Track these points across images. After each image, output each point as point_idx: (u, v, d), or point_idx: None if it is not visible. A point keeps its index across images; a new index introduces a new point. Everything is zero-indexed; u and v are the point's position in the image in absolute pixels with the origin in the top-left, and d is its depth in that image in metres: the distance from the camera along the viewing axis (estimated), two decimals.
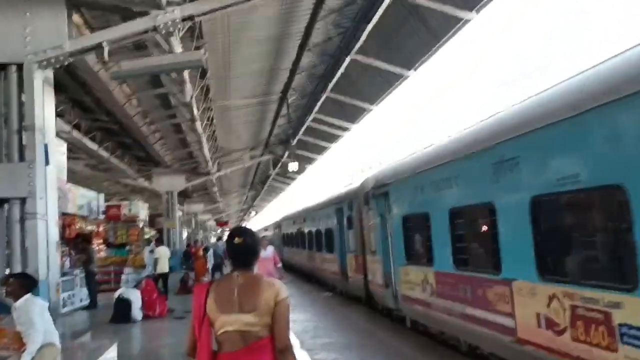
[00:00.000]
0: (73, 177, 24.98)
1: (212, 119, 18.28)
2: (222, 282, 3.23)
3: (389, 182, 11.88)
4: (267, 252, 13.38)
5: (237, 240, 3.23)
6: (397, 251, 11.68)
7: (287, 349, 3.08)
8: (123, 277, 23.10)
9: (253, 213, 62.49)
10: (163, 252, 18.44)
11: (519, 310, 6.76)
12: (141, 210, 26.55)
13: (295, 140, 18.25)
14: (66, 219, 16.51)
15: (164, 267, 18.14)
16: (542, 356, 6.31)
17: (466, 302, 8.23)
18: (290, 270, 32.40)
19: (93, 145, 16.19)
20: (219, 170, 24.64)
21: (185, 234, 43.68)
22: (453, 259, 8.62)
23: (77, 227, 17.01)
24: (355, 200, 15.71)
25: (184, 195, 39.26)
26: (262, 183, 40.12)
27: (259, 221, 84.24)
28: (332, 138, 20.91)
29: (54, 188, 10.52)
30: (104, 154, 17.44)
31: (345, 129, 19.73)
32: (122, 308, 13.72)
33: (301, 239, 27.09)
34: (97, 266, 19.27)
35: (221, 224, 60.79)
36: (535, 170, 6.39)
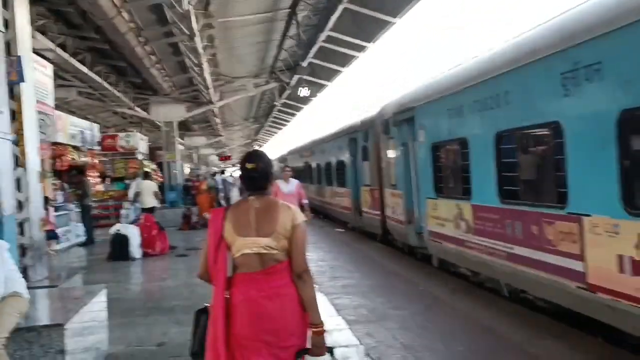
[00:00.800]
0: (67, 106, 23.69)
1: (213, 39, 16.74)
2: (239, 206, 3.22)
3: (416, 105, 10.54)
4: (291, 186, 11.00)
5: (249, 165, 3.21)
6: (423, 183, 10.49)
7: (305, 273, 3.10)
8: (122, 211, 22.29)
9: (257, 147, 61.18)
10: (146, 186, 17.14)
11: (591, 251, 5.59)
12: (140, 142, 25.31)
13: (306, 62, 16.57)
14: (57, 149, 15.29)
15: (146, 201, 16.85)
16: (619, 306, 5.20)
17: (514, 240, 7.08)
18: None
19: (83, 68, 14.74)
20: (221, 99, 23.19)
21: (187, 169, 42.66)
22: (498, 191, 7.41)
23: (69, 158, 15.79)
24: (372, 129, 14.42)
25: (185, 128, 37.93)
26: (266, 115, 38.64)
27: None
28: (346, 60, 19.22)
29: (31, 108, 9.26)
30: (96, 78, 15.98)
31: (361, 49, 18.00)
32: (120, 245, 12.69)
33: (309, 173, 25.97)
34: (93, 200, 18.24)
35: (223, 158, 59.63)
36: (626, 78, 5.07)
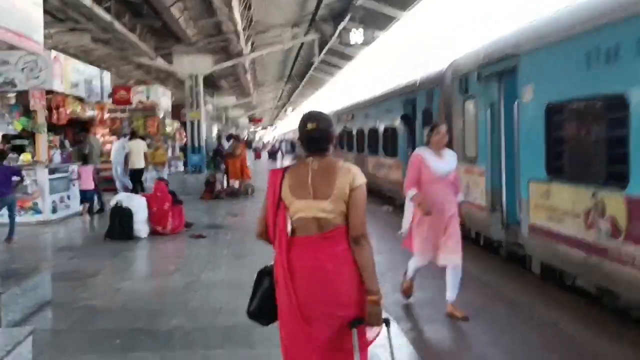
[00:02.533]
0: (85, 56, 21.25)
1: None
2: (297, 167, 3.10)
3: (520, 51, 7.67)
4: (448, 162, 6.12)
5: (310, 125, 3.06)
6: (527, 159, 7.68)
7: (363, 237, 2.96)
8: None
9: (289, 109, 58.42)
10: (136, 146, 15.63)
11: None
12: (162, 98, 22.77)
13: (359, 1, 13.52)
14: (53, 98, 12.79)
15: (136, 162, 15.47)
16: None
17: None
18: None
19: (87, 1, 12.14)
20: (253, 50, 20.43)
21: (215, 130, 40.26)
22: None
23: (68, 110, 13.28)
24: (439, 88, 11.58)
25: (213, 87, 35.39)
26: (302, 75, 35.74)
27: (292, 120, 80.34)
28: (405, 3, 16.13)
29: None
30: (105, 16, 13.35)
31: None
32: (120, 221, 10.22)
33: (348, 140, 23.21)
34: (102, 162, 15.86)
35: (255, 120, 57.23)
36: None
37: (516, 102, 7.89)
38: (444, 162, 6.01)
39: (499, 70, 8.46)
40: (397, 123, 14.98)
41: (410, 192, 5.95)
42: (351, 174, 2.99)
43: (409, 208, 6.22)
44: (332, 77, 32.93)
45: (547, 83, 7.05)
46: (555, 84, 6.85)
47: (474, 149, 9.51)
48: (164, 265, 8.61)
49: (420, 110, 12.84)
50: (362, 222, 2.98)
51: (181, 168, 22.73)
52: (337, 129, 26.03)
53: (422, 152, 6.07)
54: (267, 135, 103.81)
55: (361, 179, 3.00)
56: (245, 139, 44.27)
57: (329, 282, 2.95)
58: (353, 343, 2.95)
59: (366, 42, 13.18)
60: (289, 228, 3.03)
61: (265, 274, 3.20)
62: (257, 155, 41.10)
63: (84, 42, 17.48)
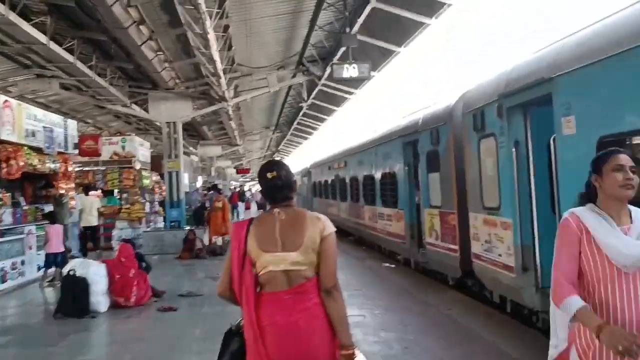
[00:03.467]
0: (58, 106, 19.87)
1: (226, 15, 12.76)
2: (263, 219, 3.02)
3: (556, 75, 6.26)
4: None
5: (270, 174, 3.00)
6: (569, 207, 6.17)
7: (335, 288, 2.89)
8: (114, 232, 18.49)
9: (278, 159, 57.33)
10: (88, 202, 15.46)
11: None
12: (140, 149, 21.40)
13: (355, 28, 12.08)
14: (2, 149, 11.22)
15: (89, 219, 15.24)
16: None
17: None
18: None
19: (55, 47, 10.77)
20: (236, 95, 19.10)
21: (200, 182, 38.73)
22: None
23: (22, 163, 11.67)
24: (447, 126, 10.20)
25: (198, 136, 34.06)
26: (290, 123, 34.51)
27: None
28: (403, 37, 14.69)
29: None
30: (67, 57, 11.95)
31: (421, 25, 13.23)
32: (74, 292, 8.55)
33: (341, 188, 21.77)
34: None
35: (242, 171, 55.76)
36: None
37: (552, 138, 6.45)
38: (635, 236, 2.79)
39: (526, 101, 7.06)
40: (398, 169, 13.54)
41: (569, 303, 2.72)
42: (321, 223, 2.94)
43: (561, 321, 2.97)
44: (323, 123, 31.62)
45: (598, 111, 5.62)
46: (610, 111, 5.41)
47: (496, 197, 8.02)
48: (118, 354, 6.89)
49: (424, 152, 11.41)
50: (334, 272, 2.91)
51: (162, 224, 21.11)
52: (329, 177, 24.67)
53: (582, 215, 2.88)
54: (256, 186, 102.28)
55: (331, 228, 2.96)
56: (237, 190, 42.64)
57: (302, 339, 2.83)
58: None
59: (360, 78, 11.81)
60: (257, 284, 2.92)
61: (234, 334, 3.05)
62: (247, 206, 39.48)
63: (54, 89, 16.10)
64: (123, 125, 27.02)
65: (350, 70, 11.15)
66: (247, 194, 49.16)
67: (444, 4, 12.84)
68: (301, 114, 28.19)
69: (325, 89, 20.88)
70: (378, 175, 15.56)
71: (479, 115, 8.45)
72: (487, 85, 8.50)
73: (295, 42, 16.24)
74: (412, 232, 12.80)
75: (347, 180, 20.38)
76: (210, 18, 10.96)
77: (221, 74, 14.51)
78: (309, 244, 2.88)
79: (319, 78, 18.25)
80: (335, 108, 25.37)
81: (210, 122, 28.62)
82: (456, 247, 9.93)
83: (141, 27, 11.96)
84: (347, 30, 11.21)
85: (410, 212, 12.84)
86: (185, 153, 36.15)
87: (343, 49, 12.83)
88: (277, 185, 3.00)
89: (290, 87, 21.89)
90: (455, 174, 9.90)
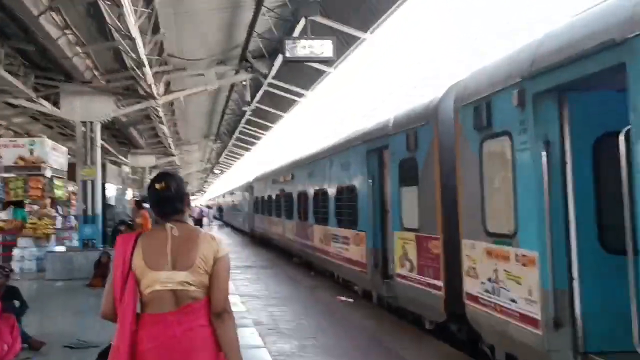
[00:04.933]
0: None
1: None
2: (153, 234, 2.90)
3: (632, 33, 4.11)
4: None
5: (159, 185, 2.90)
6: None
7: (226, 312, 2.81)
8: (16, 252, 15.64)
9: (218, 171, 54.21)
10: None
11: None
12: (51, 154, 18.43)
13: None
14: None
15: None
16: None
17: None
18: (266, 246, 24.82)
19: None
20: (168, 92, 16.49)
21: (130, 195, 35.49)
22: None
23: None
24: (428, 127, 8.01)
25: (130, 145, 31.06)
26: (232, 132, 31.91)
27: (222, 184, 75.66)
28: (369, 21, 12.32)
29: None
30: None
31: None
32: None
33: (287, 205, 19.40)
34: None
35: None
36: None
37: (624, 132, 4.27)
38: None
39: (569, 81, 4.90)
40: (359, 181, 11.29)
41: None
42: (215, 243, 2.86)
43: None
44: (268, 131, 29.10)
45: None
46: None
47: (509, 219, 5.83)
48: None
49: (396, 161, 9.18)
50: (225, 295, 2.84)
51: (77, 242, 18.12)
52: (273, 192, 22.24)
53: None
54: (195, 202, 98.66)
55: (225, 249, 2.89)
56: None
57: None
58: None
59: (322, 59, 9.48)
60: (139, 303, 2.78)
61: (106, 355, 2.92)
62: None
63: None
64: (43, 128, 23.84)
65: (308, 48, 8.76)
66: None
67: None
68: (244, 120, 25.68)
69: (271, 89, 18.49)
70: (333, 190, 13.28)
71: (483, 107, 6.27)
72: (495, 68, 6.33)
73: (238, 29, 13.82)
74: (375, 259, 10.55)
75: (294, 196, 18.06)
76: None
77: (145, 60, 11.95)
78: (201, 264, 2.78)
79: (265, 76, 15.89)
80: (282, 114, 22.97)
81: (141, 128, 25.79)
82: (440, 283, 7.71)
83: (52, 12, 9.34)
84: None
85: (374, 235, 10.59)
86: (114, 162, 33.19)
87: (300, 25, 10.45)
88: (166, 196, 2.90)
89: (232, 89, 19.41)
90: (441, 188, 7.72)
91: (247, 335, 7.97)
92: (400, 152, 8.98)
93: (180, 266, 2.76)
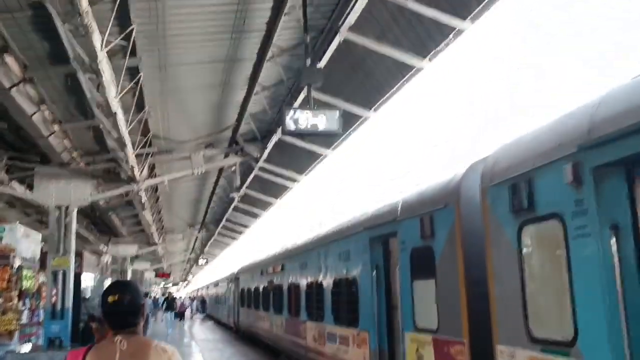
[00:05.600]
0: None
1: (140, 82, 9.60)
2: (102, 348, 2.80)
3: None
4: None
5: (111, 298, 2.81)
6: None
7: None
8: None
9: (203, 262, 52.52)
10: None
11: None
12: (23, 241, 17.08)
13: (320, 62, 8.88)
14: None
15: None
16: None
17: None
18: (252, 343, 23.12)
19: None
20: (151, 175, 15.52)
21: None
22: None
23: None
24: (447, 210, 7.00)
25: (110, 233, 29.80)
26: (218, 221, 30.79)
27: (205, 274, 73.41)
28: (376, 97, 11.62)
29: None
30: None
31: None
32: None
33: (275, 298, 18.01)
34: None
35: (162, 275, 50.87)
36: None
37: None
38: None
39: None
40: (360, 273, 10.13)
41: None
42: (167, 355, 2.79)
43: None
44: (257, 219, 27.96)
45: None
46: None
47: (565, 322, 4.71)
48: None
49: (406, 250, 8.08)
50: None
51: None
52: (261, 284, 20.87)
53: None
54: (178, 293, 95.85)
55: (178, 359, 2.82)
56: (167, 296, 37.49)
57: None
58: None
59: (327, 133, 8.53)
60: None
61: None
62: (181, 310, 34.74)
63: None
64: (19, 215, 22.62)
65: (311, 119, 7.80)
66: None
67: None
68: (232, 207, 24.61)
69: (263, 174, 17.58)
70: (329, 282, 12.06)
71: (523, 186, 5.29)
72: (536, 140, 5.40)
73: (229, 109, 13.06)
74: None
75: (284, 288, 16.73)
76: (105, 48, 7.61)
77: (127, 139, 11.02)
78: None
79: (257, 160, 15.03)
80: (272, 200, 21.97)
81: (123, 215, 24.62)
82: None
83: (6, 56, 8.45)
84: (308, 63, 8.04)
85: (379, 335, 9.32)
86: (93, 251, 31.78)
87: (301, 97, 9.62)
88: (119, 310, 2.81)
89: (220, 174, 18.50)
90: (465, 281, 6.59)
91: None
92: (412, 239, 7.90)
93: None
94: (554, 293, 4.94)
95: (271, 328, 19.04)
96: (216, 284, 44.49)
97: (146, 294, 33.94)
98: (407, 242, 8.11)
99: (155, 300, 41.81)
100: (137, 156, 13.44)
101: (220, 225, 30.87)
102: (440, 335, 7.09)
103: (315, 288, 13.13)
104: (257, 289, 21.99)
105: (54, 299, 13.78)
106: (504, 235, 5.68)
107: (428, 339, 7.38)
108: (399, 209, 8.44)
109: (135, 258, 37.88)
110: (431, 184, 7.87)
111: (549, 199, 4.96)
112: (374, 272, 9.48)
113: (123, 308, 2.80)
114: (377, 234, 9.41)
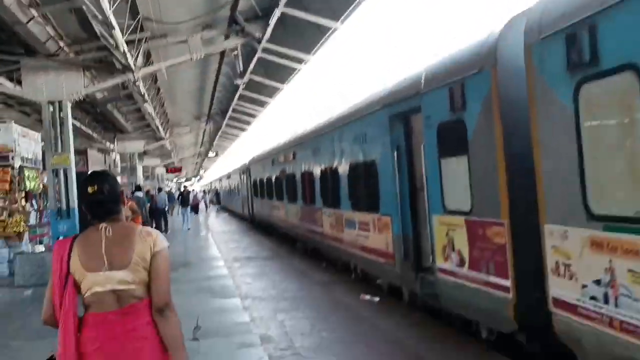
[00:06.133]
0: None
1: None
2: (88, 236, 2.89)
3: None
4: None
5: (90, 188, 2.87)
6: None
7: (168, 307, 2.80)
8: None
9: (212, 154, 52.10)
10: None
11: None
12: (21, 141, 16.42)
13: None
14: None
15: None
16: None
17: None
18: (267, 232, 23.05)
19: None
20: (147, 62, 14.48)
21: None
22: None
23: None
24: (482, 76, 6.07)
25: (115, 129, 29.06)
26: (224, 111, 29.93)
27: (217, 167, 73.65)
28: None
29: None
30: None
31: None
32: None
33: (289, 187, 17.49)
34: None
35: (173, 170, 50.76)
36: None
37: None
38: None
39: None
40: (379, 155, 9.37)
41: None
42: (151, 238, 2.85)
43: None
44: (264, 107, 26.96)
45: None
46: None
47: (638, 195, 3.95)
48: None
49: (432, 126, 7.25)
50: (166, 290, 2.82)
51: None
52: (273, 174, 20.34)
53: None
54: (191, 188, 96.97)
55: (163, 243, 2.87)
56: (182, 191, 36.94)
57: None
58: None
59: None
60: (80, 307, 2.79)
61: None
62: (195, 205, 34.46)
63: None
64: (19, 116, 21.81)
65: None
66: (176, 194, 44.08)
67: None
68: (237, 96, 23.61)
69: (267, 56, 16.43)
70: (345, 167, 11.37)
71: (583, 35, 4.35)
72: None
73: None
74: (405, 248, 8.68)
75: (298, 176, 16.15)
76: None
77: (113, 21, 9.94)
78: (139, 261, 2.78)
79: (259, 40, 13.89)
80: (280, 85, 20.86)
81: (125, 109, 23.79)
82: (507, 282, 5.83)
83: None
84: None
85: (403, 219, 8.71)
86: (100, 150, 31.25)
87: None
88: (98, 200, 2.87)
89: (222, 59, 17.38)
90: (505, 157, 5.80)
91: None
92: (439, 113, 7.04)
93: (117, 266, 2.76)
94: (621, 161, 4.15)
95: (286, 217, 18.71)
96: (228, 176, 44.37)
97: (160, 189, 33.95)
98: (433, 117, 7.25)
99: (170, 195, 41.71)
100: (129, 43, 12.37)
101: (227, 116, 29.98)
102: (474, 216, 6.41)
103: (330, 174, 12.48)
104: (269, 178, 21.51)
105: (57, 198, 13.25)
106: (555, 99, 4.82)
107: (460, 221, 6.71)
108: (423, 80, 7.51)
109: (144, 154, 37.43)
110: (461, 48, 6.88)
111: (621, 47, 4.03)
112: (395, 153, 8.72)
113: (103, 197, 2.84)
114: (397, 111, 8.55)
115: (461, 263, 6.77)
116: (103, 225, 2.84)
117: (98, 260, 2.76)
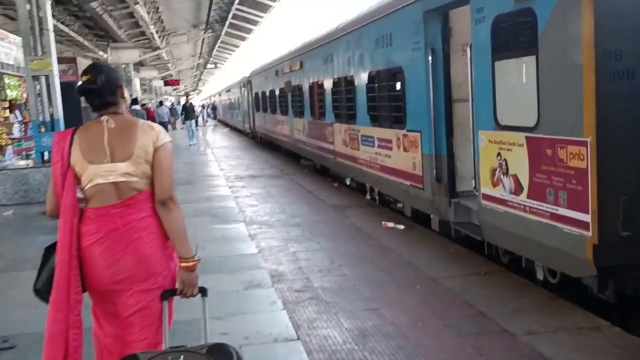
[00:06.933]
0: None
1: None
2: (90, 127, 2.86)
3: None
4: None
5: (84, 77, 2.83)
6: None
7: (171, 200, 2.79)
8: None
9: (212, 66, 50.01)
10: None
11: None
12: (2, 45, 14.94)
13: None
14: None
15: None
16: None
17: None
18: (270, 148, 21.86)
19: None
20: None
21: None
22: None
23: None
24: None
25: (109, 37, 27.26)
26: (223, 19, 27.95)
27: (216, 80, 71.48)
28: None
29: None
30: None
31: None
32: None
33: (295, 100, 16.09)
34: None
35: (172, 82, 48.88)
36: None
37: None
38: None
39: None
40: (408, 60, 7.94)
41: None
42: (154, 132, 2.82)
43: None
44: (266, 13, 25.00)
45: None
46: None
47: None
48: None
49: (484, 22, 5.81)
50: (169, 183, 2.82)
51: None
52: (277, 86, 18.84)
53: None
54: (193, 100, 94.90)
55: (165, 137, 2.84)
56: (185, 103, 34.96)
57: (129, 257, 2.72)
58: (164, 316, 2.78)
59: None
60: (81, 197, 2.78)
61: (54, 249, 2.82)
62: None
63: None
64: (4, 20, 20.06)
65: None
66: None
67: None
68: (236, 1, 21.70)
69: None
70: (363, 77, 9.95)
71: None
72: None
73: None
74: (437, 170, 7.42)
75: (306, 88, 14.71)
76: None
77: None
78: (141, 154, 2.76)
79: None
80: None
81: (117, 15, 21.92)
82: (586, 217, 4.60)
83: None
84: None
85: (437, 136, 7.41)
86: (93, 59, 29.51)
87: None
88: (91, 89, 2.81)
89: None
90: (595, 57, 4.43)
91: (267, 309, 5.05)
92: (497, 3, 5.59)
93: (120, 157, 2.74)
94: None
95: (291, 132, 17.40)
96: (228, 90, 42.63)
97: (161, 103, 32.45)
98: (487, 9, 5.80)
99: (172, 108, 40.12)
100: None
101: (227, 23, 28.02)
102: (541, 133, 5.10)
103: (345, 85, 11.06)
104: (272, 91, 20.03)
105: (39, 109, 11.89)
106: None
107: (519, 138, 5.41)
108: None
109: (140, 65, 35.64)
110: None
111: None
112: (430, 57, 7.29)
113: (95, 87, 2.80)
114: (435, 5, 7.06)
115: (517, 190, 5.52)
116: (105, 117, 2.81)
117: (100, 151, 2.74)
